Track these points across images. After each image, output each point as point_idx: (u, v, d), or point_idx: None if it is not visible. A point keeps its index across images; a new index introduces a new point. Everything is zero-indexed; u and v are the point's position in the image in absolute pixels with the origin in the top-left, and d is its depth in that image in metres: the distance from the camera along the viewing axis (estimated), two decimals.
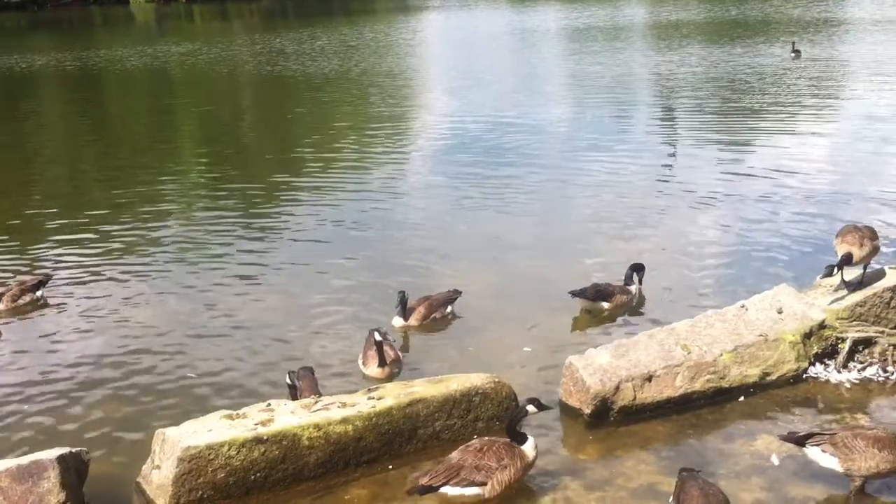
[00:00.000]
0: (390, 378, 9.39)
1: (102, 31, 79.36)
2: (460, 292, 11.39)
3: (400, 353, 10.01)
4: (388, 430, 7.93)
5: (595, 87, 31.01)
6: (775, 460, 7.72)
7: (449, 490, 7.21)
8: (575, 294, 11.13)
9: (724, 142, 21.20)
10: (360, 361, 9.84)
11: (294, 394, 8.71)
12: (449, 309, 11.21)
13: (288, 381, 8.88)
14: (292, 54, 45.86)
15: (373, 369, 9.58)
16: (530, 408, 7.74)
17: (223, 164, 21.98)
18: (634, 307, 11.38)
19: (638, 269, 11.62)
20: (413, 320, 10.95)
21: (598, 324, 10.97)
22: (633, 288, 11.54)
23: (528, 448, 7.52)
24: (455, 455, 7.36)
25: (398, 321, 10.91)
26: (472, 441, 7.55)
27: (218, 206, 17.21)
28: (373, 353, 9.63)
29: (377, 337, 9.61)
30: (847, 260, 9.52)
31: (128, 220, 16.09)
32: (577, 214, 15.48)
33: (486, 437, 7.62)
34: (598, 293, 11.16)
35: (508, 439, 7.54)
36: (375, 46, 49.36)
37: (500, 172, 18.56)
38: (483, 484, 7.22)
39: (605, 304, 11.21)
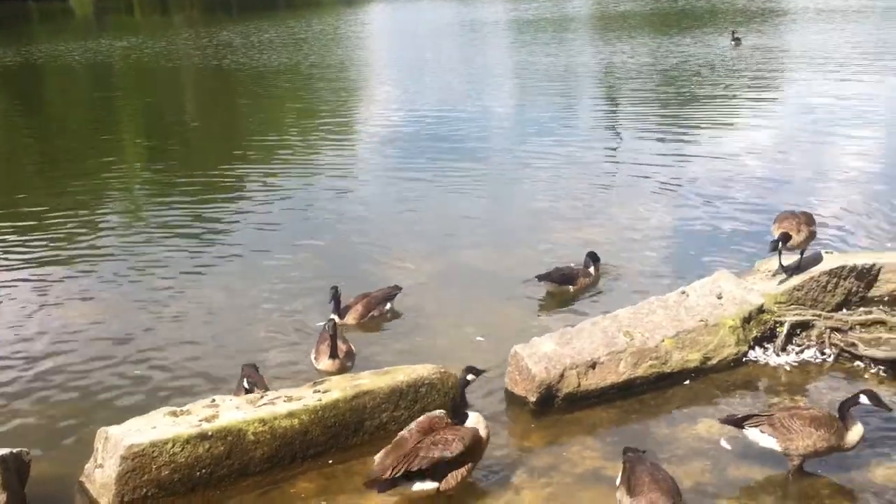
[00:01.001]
0: (343, 371, 9.26)
1: (41, 26, 77.90)
2: (400, 288, 11.25)
3: (353, 347, 9.89)
4: (334, 423, 7.92)
5: (543, 77, 31.17)
6: (725, 444, 7.84)
7: (408, 485, 7.08)
8: (541, 278, 11.40)
9: (667, 130, 21.48)
10: (312, 356, 9.76)
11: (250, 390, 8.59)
12: (388, 306, 11.08)
13: (245, 385, 8.66)
14: (240, 47, 45.46)
15: (324, 362, 9.45)
16: (469, 377, 7.74)
17: (168, 157, 21.76)
18: (578, 296, 11.48)
19: (594, 257, 11.92)
20: (350, 318, 10.81)
21: (545, 312, 11.06)
22: (592, 270, 11.86)
23: (473, 423, 7.42)
24: (409, 439, 7.18)
25: (335, 319, 10.66)
26: (421, 420, 7.43)
27: (161, 200, 17.08)
28: (325, 346, 9.52)
29: (329, 329, 9.49)
30: (786, 238, 9.71)
31: (70, 215, 15.89)
32: (525, 203, 15.60)
33: (431, 414, 7.52)
34: (563, 277, 11.47)
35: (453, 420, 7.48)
36: (324, 39, 49.17)
37: (447, 162, 18.62)
38: (443, 458, 7.07)
39: (571, 287, 11.51)
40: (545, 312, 11.07)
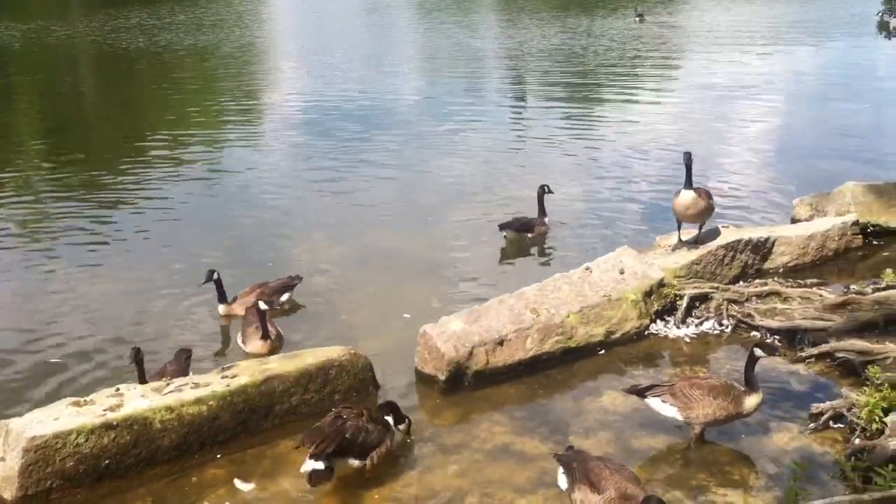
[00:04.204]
0: (275, 352, 9.18)
1: None
2: (300, 278, 11.02)
3: (280, 329, 9.81)
4: (243, 409, 7.88)
5: (451, 58, 31.27)
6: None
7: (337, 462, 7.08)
8: (502, 227, 12.22)
9: (572, 108, 21.86)
10: (239, 340, 9.67)
11: (141, 374, 8.50)
12: (285, 297, 10.78)
13: (129, 360, 8.51)
14: (146, 30, 44.29)
15: (256, 344, 9.37)
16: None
17: (68, 142, 21.16)
18: (485, 273, 11.60)
19: (546, 189, 12.81)
20: (239, 308, 10.49)
21: (455, 291, 11.12)
22: (548, 220, 12.57)
23: (390, 419, 7.61)
24: (337, 422, 7.16)
25: (221, 308, 10.48)
26: (341, 408, 7.44)
27: (61, 184, 16.63)
28: (253, 329, 9.47)
29: (262, 306, 9.41)
30: (688, 157, 10.25)
31: None
32: (435, 184, 15.69)
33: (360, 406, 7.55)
34: (522, 225, 12.49)
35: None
36: (226, 23, 48.24)
37: (356, 145, 18.61)
38: (364, 452, 7.15)
39: (529, 234, 12.37)
40: (453, 291, 11.12)
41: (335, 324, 10.37)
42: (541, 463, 7.34)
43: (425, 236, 12.91)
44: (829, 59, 28.52)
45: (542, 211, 12.78)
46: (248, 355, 9.33)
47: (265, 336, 9.40)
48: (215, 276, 10.49)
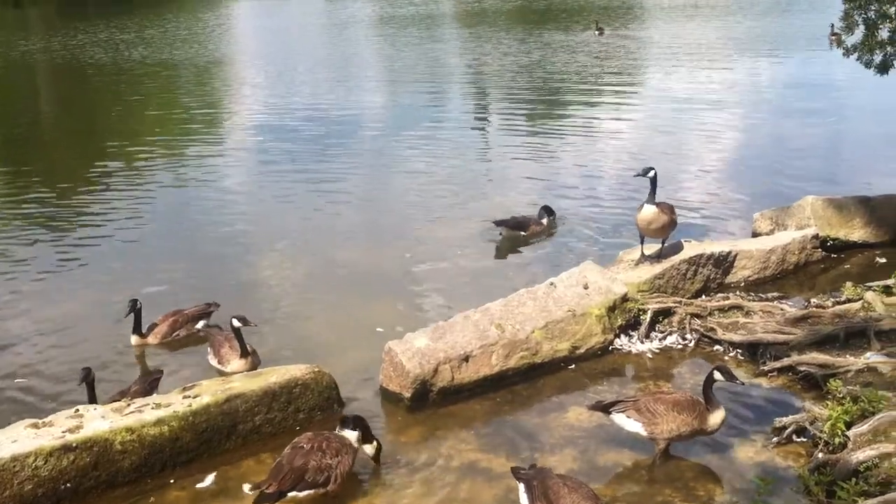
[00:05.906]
0: (254, 368, 9.12)
1: None
2: (218, 305, 10.80)
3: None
4: (205, 429, 7.79)
5: (411, 76, 31.28)
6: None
7: (296, 493, 7.04)
8: (498, 224, 12.96)
9: (535, 122, 21.97)
10: (212, 360, 9.58)
11: (91, 395, 8.40)
12: (201, 324, 10.57)
13: (79, 380, 8.43)
14: (106, 45, 43.90)
15: (236, 363, 9.31)
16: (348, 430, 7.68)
17: (26, 157, 20.77)
18: (450, 288, 11.57)
19: (548, 210, 13.49)
20: (152, 338, 10.33)
21: (418, 308, 11.07)
22: (545, 221, 13.37)
23: (352, 436, 7.55)
24: (297, 460, 7.08)
25: (133, 339, 10.24)
26: (303, 438, 7.36)
27: (18, 200, 16.40)
28: (227, 349, 9.42)
29: (235, 324, 9.31)
30: (650, 170, 10.38)
31: None
32: (396, 201, 15.62)
33: (319, 434, 7.47)
34: (517, 223, 13.03)
35: (337, 432, 7.52)
36: (191, 38, 47.97)
37: (317, 162, 18.52)
38: (326, 483, 7.11)
39: (523, 233, 12.77)
40: (416, 308, 11.05)
41: (300, 341, 10.28)
42: (507, 480, 7.29)
43: (391, 251, 12.86)
44: (789, 73, 28.84)
45: (541, 215, 13.40)
46: (222, 374, 9.16)
47: (244, 354, 9.34)
48: (137, 305, 10.22)
